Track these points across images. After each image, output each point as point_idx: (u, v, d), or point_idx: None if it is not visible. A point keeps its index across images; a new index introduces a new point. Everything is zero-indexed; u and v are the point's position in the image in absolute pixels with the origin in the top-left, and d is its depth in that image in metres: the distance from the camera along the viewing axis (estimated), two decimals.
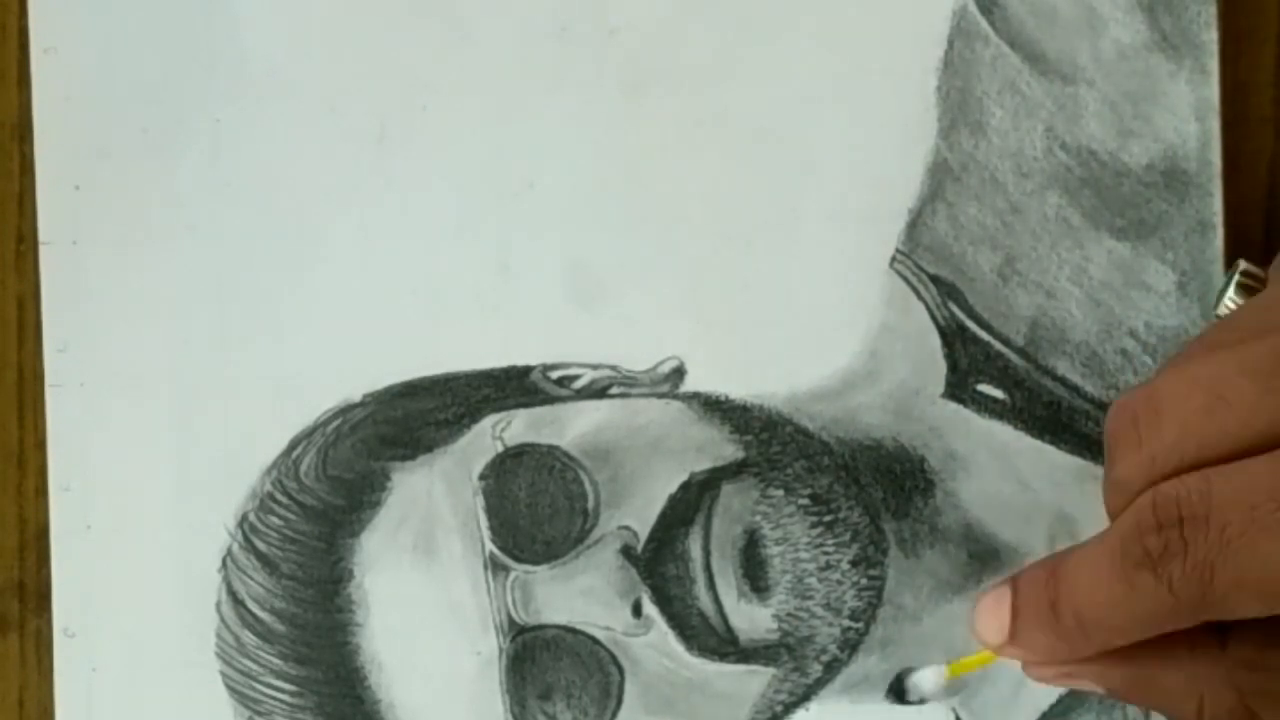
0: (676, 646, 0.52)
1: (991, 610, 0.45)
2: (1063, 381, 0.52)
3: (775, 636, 0.52)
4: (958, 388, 0.53)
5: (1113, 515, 0.44)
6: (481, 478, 0.53)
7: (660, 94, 0.53)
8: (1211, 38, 0.53)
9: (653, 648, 0.52)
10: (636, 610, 0.52)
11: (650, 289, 0.53)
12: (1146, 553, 0.42)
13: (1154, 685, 0.45)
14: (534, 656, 0.52)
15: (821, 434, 0.53)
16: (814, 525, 0.52)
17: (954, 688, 0.51)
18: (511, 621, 0.52)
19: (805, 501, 0.52)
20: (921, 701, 0.52)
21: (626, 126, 0.53)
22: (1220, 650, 0.44)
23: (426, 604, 0.52)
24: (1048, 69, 0.53)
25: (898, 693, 0.52)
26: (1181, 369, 0.43)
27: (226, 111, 0.53)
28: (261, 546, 0.53)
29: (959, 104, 0.53)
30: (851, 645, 0.52)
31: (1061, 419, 0.52)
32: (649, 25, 0.53)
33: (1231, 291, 0.50)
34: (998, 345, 0.53)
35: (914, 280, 0.53)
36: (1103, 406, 0.52)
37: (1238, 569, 0.41)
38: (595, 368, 0.53)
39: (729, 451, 0.52)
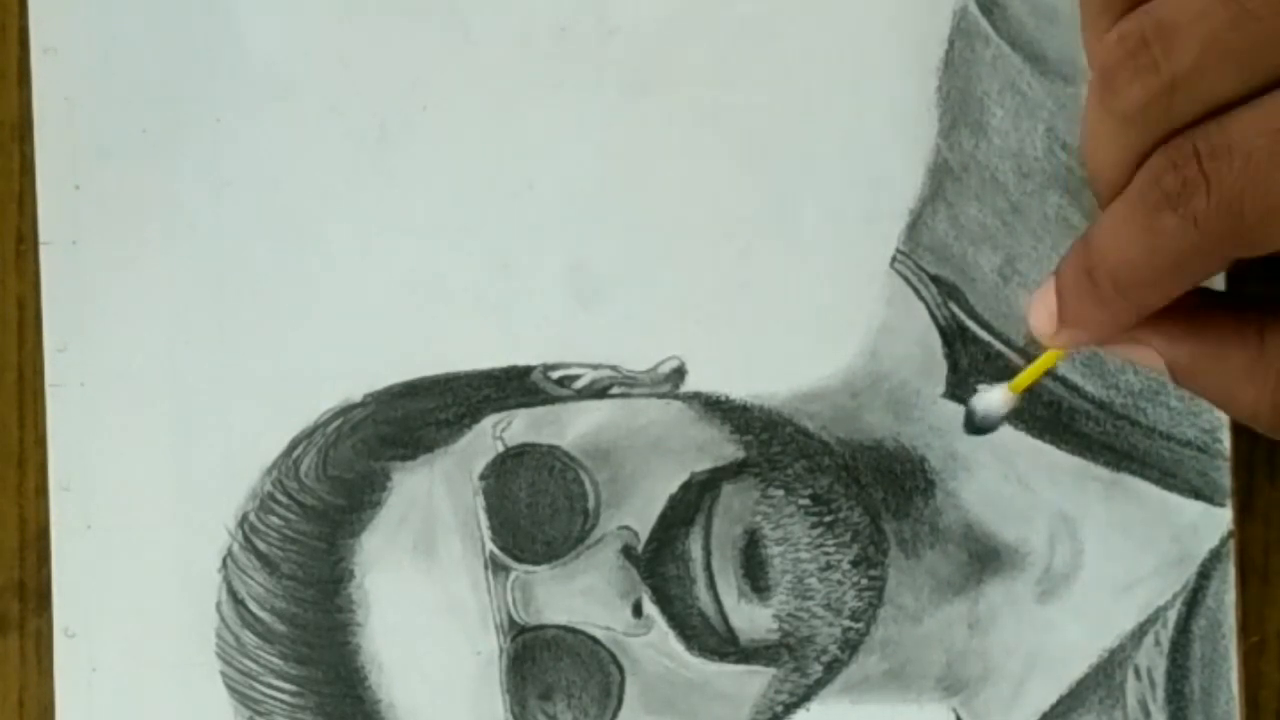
0: (677, 646, 0.52)
1: (1040, 300, 0.44)
2: (1063, 381, 0.52)
3: (775, 637, 0.52)
4: (958, 388, 0.52)
5: (1109, 158, 0.42)
6: (482, 478, 0.53)
7: (660, 94, 0.53)
8: None
9: (653, 648, 0.52)
10: (637, 610, 0.52)
11: (650, 289, 0.53)
12: (1166, 193, 0.40)
13: (1217, 365, 0.43)
14: (534, 656, 0.52)
15: (822, 434, 0.53)
16: (814, 525, 0.52)
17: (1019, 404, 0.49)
18: (512, 621, 0.52)
19: (806, 501, 0.52)
20: (994, 425, 0.50)
21: (626, 127, 0.53)
22: None
23: (426, 604, 0.52)
24: (1048, 69, 0.53)
25: (971, 426, 0.50)
26: None
27: (226, 111, 0.53)
28: (262, 546, 0.53)
29: (959, 104, 0.53)
30: (852, 645, 0.52)
31: (1061, 419, 0.52)
32: (649, 25, 0.53)
33: None
34: (998, 345, 0.53)
35: (914, 280, 0.53)
36: (1103, 406, 0.52)
37: (1269, 194, 0.39)
38: (595, 368, 0.53)
39: (729, 451, 0.52)
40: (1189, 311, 0.44)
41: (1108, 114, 0.41)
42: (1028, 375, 0.47)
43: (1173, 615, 0.52)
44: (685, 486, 0.52)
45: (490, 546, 0.52)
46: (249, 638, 0.53)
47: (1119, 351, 0.45)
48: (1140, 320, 0.43)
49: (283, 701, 0.53)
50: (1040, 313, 0.44)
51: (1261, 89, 0.40)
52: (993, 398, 0.48)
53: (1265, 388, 0.43)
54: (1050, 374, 0.52)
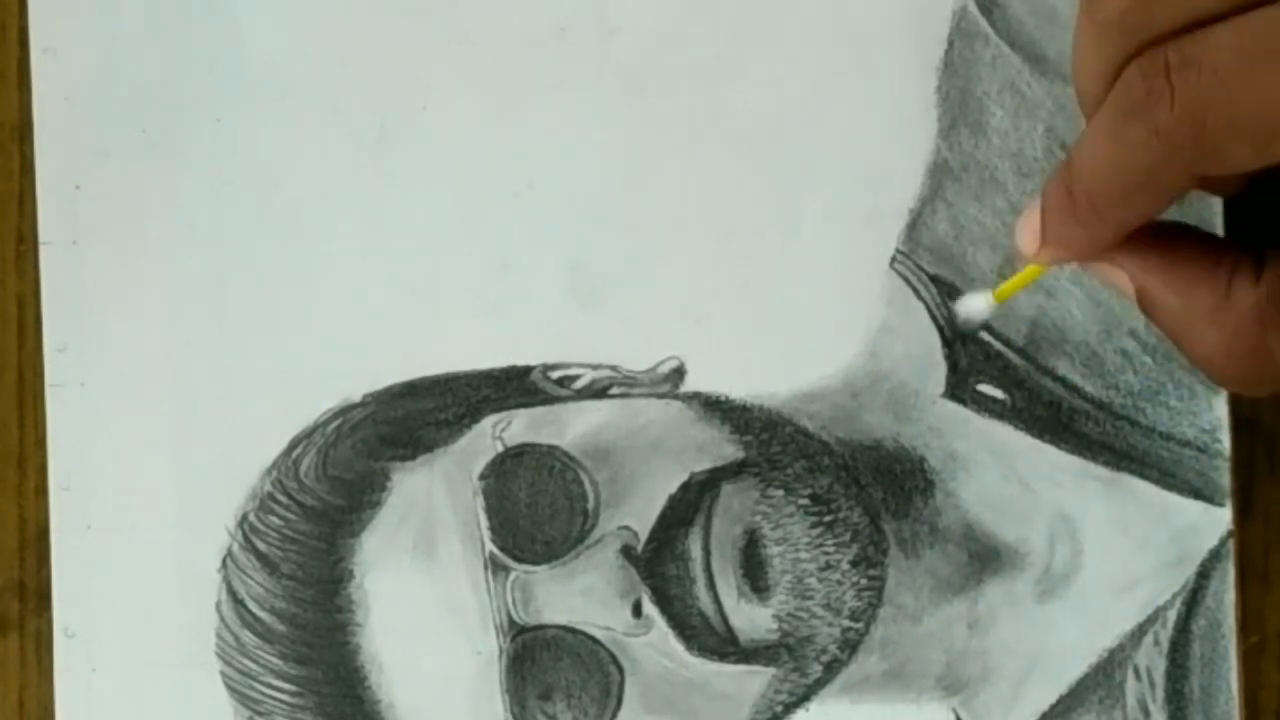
0: (676, 646, 0.52)
1: (1026, 218, 0.45)
2: (1063, 381, 0.52)
3: (775, 636, 0.52)
4: (958, 388, 0.52)
5: (1089, 67, 0.42)
6: (481, 478, 0.53)
7: (660, 94, 0.53)
8: None
9: (653, 648, 0.52)
10: (636, 610, 0.52)
11: (650, 289, 0.53)
12: (1133, 102, 0.40)
13: (1183, 301, 0.44)
14: (534, 656, 0.52)
15: (821, 434, 0.53)
16: (814, 525, 0.52)
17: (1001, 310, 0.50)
18: (511, 621, 0.52)
19: (805, 501, 0.52)
20: (976, 329, 0.51)
21: (626, 127, 0.53)
22: (1255, 280, 0.43)
23: (426, 604, 0.52)
24: (1048, 69, 0.53)
25: (953, 328, 0.51)
26: None
27: (226, 111, 0.53)
28: (261, 546, 0.53)
29: (959, 104, 0.53)
30: (851, 645, 0.52)
31: (1061, 419, 0.52)
32: (649, 25, 0.53)
33: None
34: (998, 345, 0.53)
35: (914, 280, 0.53)
36: (1103, 406, 0.52)
37: (1231, 108, 0.39)
38: (595, 368, 0.53)
39: (729, 451, 0.52)
40: (1167, 241, 0.44)
41: (1090, 22, 0.42)
42: (1012, 284, 0.47)
43: (1172, 615, 0.52)
44: (685, 486, 0.52)
45: (490, 546, 0.52)
46: (249, 638, 0.53)
47: (1096, 271, 0.46)
48: (1118, 240, 0.44)
49: (283, 701, 0.53)
50: (1025, 230, 0.45)
51: (1241, 7, 0.40)
52: (976, 303, 0.49)
53: (1223, 333, 0.43)
54: (1050, 374, 0.52)
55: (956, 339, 0.52)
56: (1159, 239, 0.44)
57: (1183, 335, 0.45)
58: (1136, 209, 0.42)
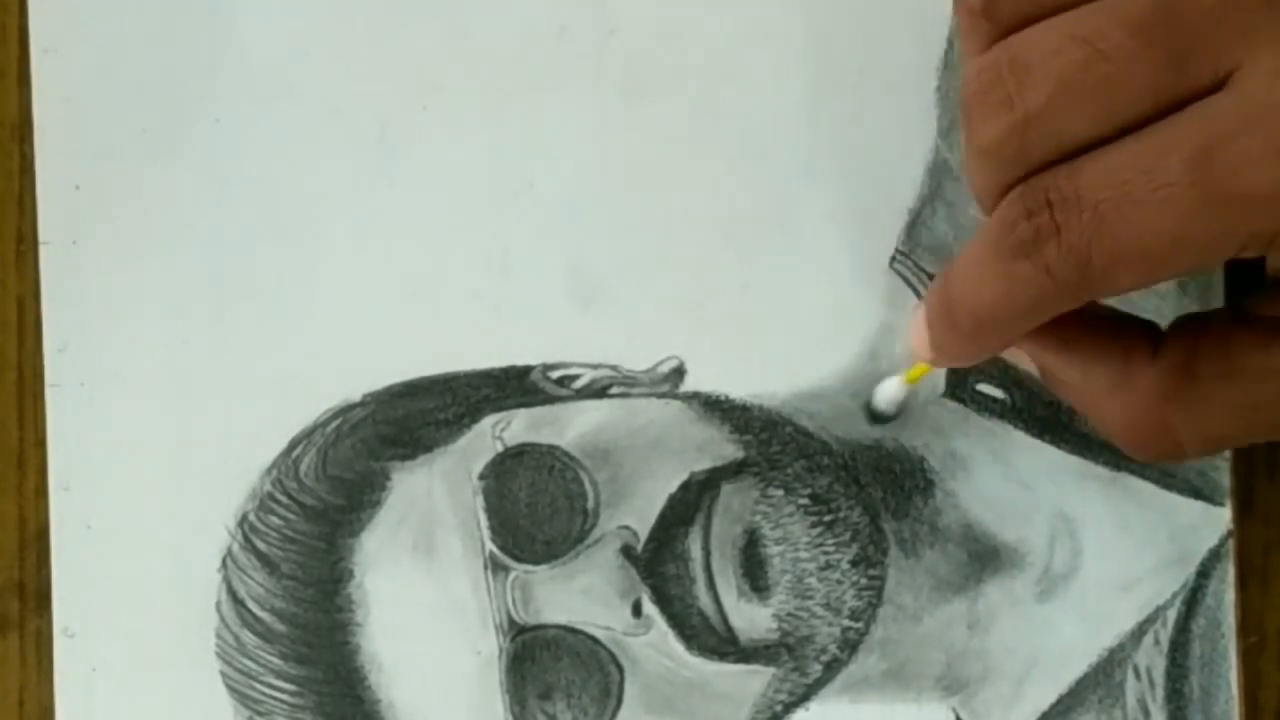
0: (676, 646, 0.52)
1: (916, 327, 0.46)
2: None
3: (775, 636, 0.52)
4: (958, 387, 0.53)
5: (977, 188, 0.43)
6: (481, 477, 0.53)
7: (660, 94, 0.53)
8: None
9: (653, 647, 0.52)
10: (636, 610, 0.52)
11: (650, 289, 0.53)
12: (1020, 241, 0.41)
13: (1083, 378, 0.45)
14: (534, 656, 0.52)
15: (821, 434, 0.53)
16: (814, 525, 0.52)
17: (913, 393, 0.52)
18: (511, 621, 0.52)
19: (805, 501, 0.52)
20: (896, 414, 0.52)
21: (626, 127, 0.53)
22: (1152, 356, 0.44)
23: (426, 604, 0.52)
24: None
25: (874, 416, 0.52)
26: (1046, 24, 0.41)
27: (226, 111, 0.53)
28: (261, 546, 0.53)
29: (959, 104, 0.53)
30: (851, 645, 0.52)
31: (1061, 419, 0.52)
32: (649, 25, 0.53)
33: None
34: None
35: (914, 280, 0.53)
36: None
37: (1114, 244, 0.40)
38: (595, 367, 0.53)
39: (729, 451, 0.52)
40: (1063, 319, 0.44)
41: (970, 147, 0.43)
42: (919, 370, 0.50)
43: (1172, 614, 0.52)
44: (685, 486, 0.52)
45: (490, 546, 0.52)
46: (249, 638, 0.53)
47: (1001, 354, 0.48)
48: (1006, 348, 0.45)
49: (283, 701, 0.53)
50: (918, 339, 0.46)
51: (1114, 132, 0.40)
52: (890, 389, 0.51)
53: (1125, 410, 0.45)
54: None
55: (876, 422, 0.53)
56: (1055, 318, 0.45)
57: (1087, 410, 0.47)
58: (1023, 328, 0.44)
